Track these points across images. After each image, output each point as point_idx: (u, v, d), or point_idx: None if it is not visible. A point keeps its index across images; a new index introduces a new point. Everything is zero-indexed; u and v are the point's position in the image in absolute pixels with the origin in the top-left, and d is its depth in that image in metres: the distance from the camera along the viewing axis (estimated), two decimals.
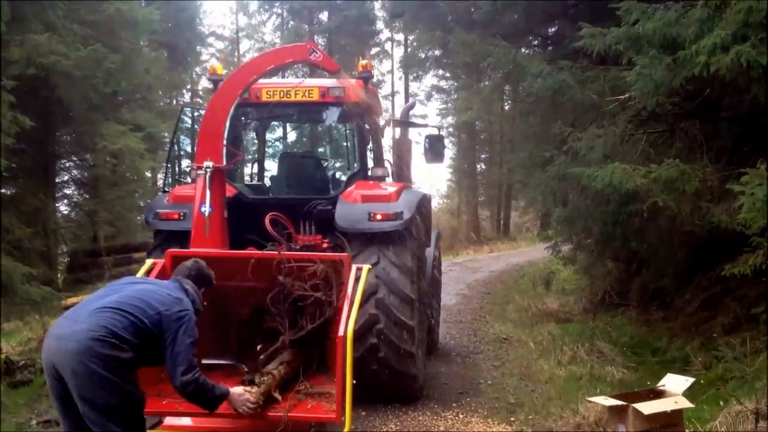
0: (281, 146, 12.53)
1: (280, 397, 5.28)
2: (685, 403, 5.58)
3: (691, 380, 5.94)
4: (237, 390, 4.83)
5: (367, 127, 8.44)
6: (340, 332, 5.08)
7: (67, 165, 21.10)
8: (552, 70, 9.13)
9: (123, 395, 4.13)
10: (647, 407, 5.41)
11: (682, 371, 7.36)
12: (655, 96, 7.13)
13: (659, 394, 5.80)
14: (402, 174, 9.08)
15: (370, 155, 8.57)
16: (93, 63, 15.14)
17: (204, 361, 6.16)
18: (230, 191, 7.57)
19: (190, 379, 4.36)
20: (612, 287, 12.70)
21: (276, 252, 7.21)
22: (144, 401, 4.36)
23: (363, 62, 8.34)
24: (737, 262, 6.56)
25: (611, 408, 5.60)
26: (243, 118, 8.61)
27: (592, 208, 9.64)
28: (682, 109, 8.38)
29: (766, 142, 7.38)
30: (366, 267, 5.98)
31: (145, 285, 4.69)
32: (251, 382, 5.09)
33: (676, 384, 5.83)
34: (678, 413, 5.57)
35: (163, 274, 5.66)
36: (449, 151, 38.91)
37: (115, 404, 4.09)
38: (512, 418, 7.10)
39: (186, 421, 5.45)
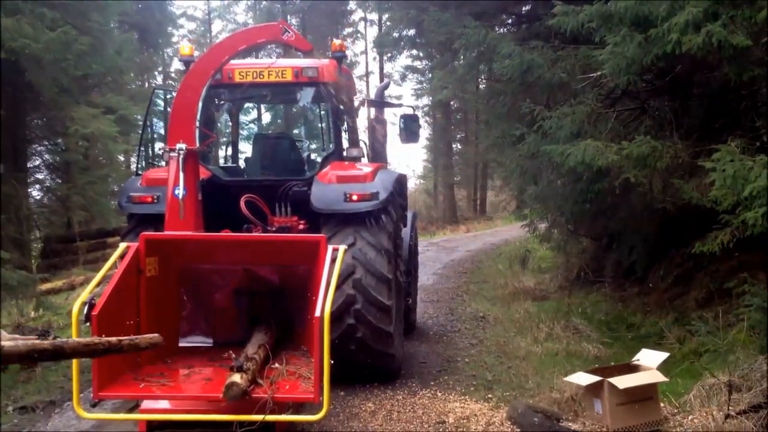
0: (255, 127, 12.44)
1: (263, 383, 5.23)
2: (659, 377, 5.67)
3: (665, 354, 6.03)
4: None
5: (341, 107, 8.38)
6: (317, 313, 5.05)
7: (39, 149, 20.79)
8: (521, 51, 9.13)
9: None
10: (622, 381, 5.49)
11: (657, 346, 7.47)
12: (627, 74, 7.16)
13: (634, 369, 5.88)
14: (377, 154, 9.07)
15: (345, 136, 8.53)
16: (62, 46, 14.84)
17: (183, 344, 6.16)
18: (204, 173, 7.52)
19: None
20: (587, 264, 12.82)
21: (251, 234, 7.20)
22: None
23: (336, 42, 8.29)
24: (706, 240, 6.61)
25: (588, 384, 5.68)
26: (216, 100, 8.52)
27: (564, 186, 9.69)
28: (653, 86, 8.43)
29: (736, 119, 7.44)
30: (342, 248, 5.97)
31: None
32: (240, 369, 5.05)
33: (650, 358, 5.92)
34: (653, 387, 5.66)
35: (136, 258, 5.63)
36: (424, 131, 38.97)
37: None
38: (490, 395, 7.14)
39: (164, 404, 5.44)
